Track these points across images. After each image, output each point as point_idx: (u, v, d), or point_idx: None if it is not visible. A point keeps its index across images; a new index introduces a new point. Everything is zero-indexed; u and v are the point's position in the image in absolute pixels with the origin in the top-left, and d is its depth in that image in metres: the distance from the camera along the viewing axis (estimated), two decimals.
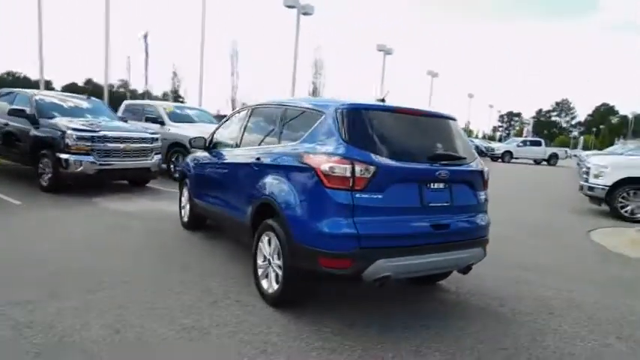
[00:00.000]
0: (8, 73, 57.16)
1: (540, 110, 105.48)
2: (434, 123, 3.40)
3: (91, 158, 7.33)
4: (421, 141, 3.25)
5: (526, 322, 3.43)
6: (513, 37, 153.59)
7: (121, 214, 6.26)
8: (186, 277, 3.87)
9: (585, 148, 56.75)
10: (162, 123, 10.21)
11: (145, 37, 16.49)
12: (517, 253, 5.56)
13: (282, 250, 3.17)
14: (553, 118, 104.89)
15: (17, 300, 3.17)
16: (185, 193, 5.71)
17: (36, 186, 7.59)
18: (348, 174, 2.83)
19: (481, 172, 3.44)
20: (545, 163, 31.69)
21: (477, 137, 52.95)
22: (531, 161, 31.39)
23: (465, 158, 3.37)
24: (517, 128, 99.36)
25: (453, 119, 3.57)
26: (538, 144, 32.87)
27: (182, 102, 17.62)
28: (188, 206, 5.58)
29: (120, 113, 10.82)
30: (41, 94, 8.86)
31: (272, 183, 3.39)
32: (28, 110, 7.90)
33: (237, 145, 4.33)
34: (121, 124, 8.60)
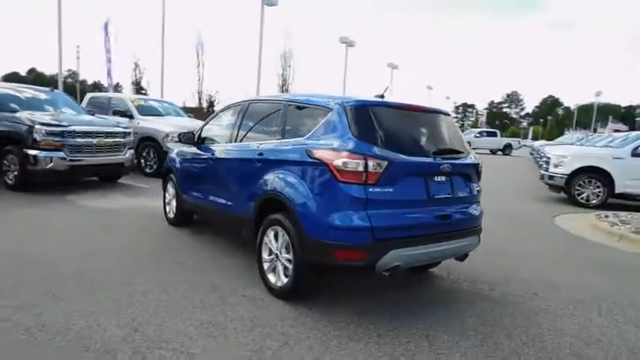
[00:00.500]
0: None
1: (492, 102, 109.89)
2: (433, 118, 3.56)
3: (61, 154, 7.03)
4: (423, 136, 3.41)
5: (517, 303, 3.69)
6: (467, 31, 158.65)
7: (102, 212, 6.07)
8: (186, 274, 3.85)
9: (534, 138, 59.80)
10: (130, 116, 9.89)
11: (106, 25, 15.64)
12: (493, 240, 5.87)
13: (292, 245, 3.23)
14: (504, 110, 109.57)
15: (19, 304, 3.06)
16: (170, 189, 5.62)
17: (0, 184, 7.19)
18: (361, 168, 2.94)
19: (476, 165, 3.64)
20: (500, 152, 33.28)
21: None
22: (487, 151, 32.82)
23: (463, 152, 3.56)
24: (472, 119, 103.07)
25: (448, 114, 3.75)
26: (494, 135, 34.53)
27: (145, 94, 16.99)
28: (174, 202, 5.51)
29: (83, 106, 10.36)
30: None
31: (279, 178, 3.43)
32: None
33: (234, 141, 4.32)
34: (91, 117, 8.27)
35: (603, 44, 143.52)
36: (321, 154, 3.11)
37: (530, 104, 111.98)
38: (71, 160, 7.13)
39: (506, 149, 33.44)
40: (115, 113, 9.84)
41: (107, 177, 8.45)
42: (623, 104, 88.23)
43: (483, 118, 75.19)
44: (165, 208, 5.81)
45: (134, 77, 19.97)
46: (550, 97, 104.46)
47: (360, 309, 3.34)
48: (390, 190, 3.03)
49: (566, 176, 9.40)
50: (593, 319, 3.47)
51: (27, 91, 8.53)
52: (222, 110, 4.99)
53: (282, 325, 3.01)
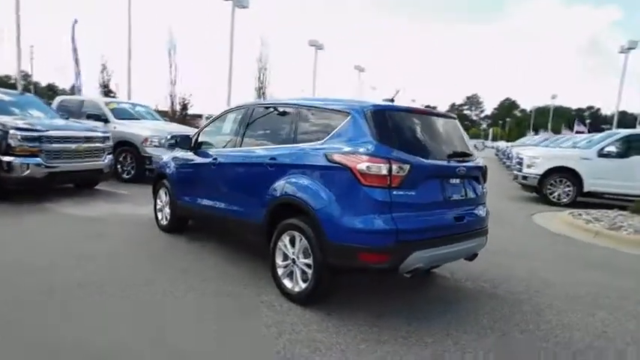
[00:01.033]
0: None
1: (454, 104, 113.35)
2: (443, 122, 3.65)
3: (38, 160, 6.67)
4: (437, 139, 3.50)
5: (522, 300, 3.84)
6: (430, 36, 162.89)
7: (87, 220, 5.82)
8: (194, 283, 3.76)
9: (494, 139, 62.11)
10: (105, 120, 9.52)
11: (74, 25, 14.83)
12: None
13: (312, 249, 3.23)
14: (465, 112, 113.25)
15: (19, 318, 2.89)
16: (163, 195, 5.47)
17: None
18: (385, 172, 2.98)
19: (482, 168, 3.77)
20: None
21: None
22: None
23: (472, 155, 3.68)
24: None
25: (455, 118, 3.87)
26: None
27: (113, 97, 16.40)
28: (168, 209, 5.37)
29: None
30: None
31: (295, 183, 3.42)
32: None
33: (238, 145, 4.26)
34: (67, 122, 7.91)
35: (557, 50, 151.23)
36: (343, 158, 3.13)
37: (489, 106, 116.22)
38: (49, 167, 6.79)
39: None
40: (89, 117, 9.45)
41: (84, 184, 8.10)
42: (574, 107, 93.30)
43: None
44: (156, 214, 5.64)
45: (101, 79, 19.28)
46: (507, 99, 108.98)
47: (376, 311, 3.38)
48: (412, 193, 3.09)
49: (538, 176, 9.85)
50: (595, 313, 3.66)
51: None
52: (222, 114, 4.91)
53: (307, 330, 3.00)
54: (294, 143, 3.65)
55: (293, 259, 3.45)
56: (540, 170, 9.83)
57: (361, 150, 3.09)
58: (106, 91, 18.96)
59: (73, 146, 7.14)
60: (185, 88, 15.97)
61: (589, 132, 23.31)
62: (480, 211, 3.70)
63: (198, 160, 4.77)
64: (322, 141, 3.41)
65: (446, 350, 2.85)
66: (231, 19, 19.62)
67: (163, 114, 14.07)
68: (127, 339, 2.73)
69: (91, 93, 16.65)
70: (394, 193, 3.01)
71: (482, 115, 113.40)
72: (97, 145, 7.60)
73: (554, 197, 9.78)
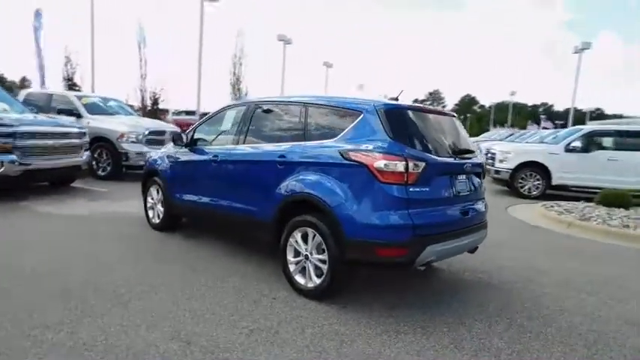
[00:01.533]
0: None
1: (416, 99, 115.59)
2: (447, 120, 3.79)
3: (12, 157, 6.35)
4: (444, 137, 3.63)
5: (519, 289, 4.05)
6: (394, 32, 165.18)
7: (73, 220, 5.61)
8: (207, 281, 3.73)
9: None
10: (78, 115, 9.15)
11: (37, 16, 13.88)
12: None
13: (327, 245, 3.29)
14: None
15: (44, 323, 2.80)
16: (155, 192, 5.36)
17: None
18: (402, 169, 3.07)
19: (482, 164, 3.94)
20: None
21: None
22: None
23: (474, 152, 3.84)
24: None
25: (455, 116, 4.01)
26: None
27: (78, 91, 15.64)
28: (160, 206, 5.26)
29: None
30: None
31: (309, 180, 3.46)
32: None
33: (241, 143, 4.23)
34: (41, 117, 7.55)
35: (512, 49, 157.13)
36: (359, 156, 3.19)
37: (450, 102, 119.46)
38: (24, 164, 6.47)
39: None
40: (60, 112, 9.03)
41: (60, 181, 7.77)
42: (529, 103, 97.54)
43: None
44: (147, 213, 5.52)
45: (65, 72, 18.30)
46: (467, 95, 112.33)
47: (388, 303, 3.48)
48: (426, 189, 3.20)
49: (510, 170, 10.30)
50: (585, 298, 3.92)
51: None
52: (220, 111, 4.85)
53: (329, 324, 3.06)
54: (304, 141, 3.68)
55: (306, 255, 3.49)
56: (512, 165, 10.28)
57: (377, 148, 3.16)
58: (70, 85, 18.09)
59: (50, 142, 6.84)
60: (156, 82, 15.53)
61: (555, 128, 24.47)
62: (481, 206, 3.87)
63: (196, 157, 4.70)
64: (335, 139, 3.46)
65: (462, 338, 2.98)
66: (200, 13, 19.20)
67: (135, 109, 13.58)
68: (158, 342, 2.69)
69: (53, 87, 15.87)
70: (410, 189, 3.11)
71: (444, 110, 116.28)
72: (74, 141, 7.31)
73: (524, 190, 10.27)
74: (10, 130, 6.37)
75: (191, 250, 4.63)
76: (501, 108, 71.73)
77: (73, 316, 2.93)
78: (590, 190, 9.79)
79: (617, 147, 10.00)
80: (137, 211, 6.17)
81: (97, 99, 10.02)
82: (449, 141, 3.64)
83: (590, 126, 11.30)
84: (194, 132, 4.90)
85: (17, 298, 3.16)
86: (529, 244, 6.01)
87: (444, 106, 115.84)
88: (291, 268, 3.61)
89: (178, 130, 10.27)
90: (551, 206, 8.36)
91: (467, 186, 3.62)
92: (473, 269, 4.53)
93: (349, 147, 3.29)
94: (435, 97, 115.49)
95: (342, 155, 3.29)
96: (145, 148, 9.04)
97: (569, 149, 10.03)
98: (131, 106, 13.48)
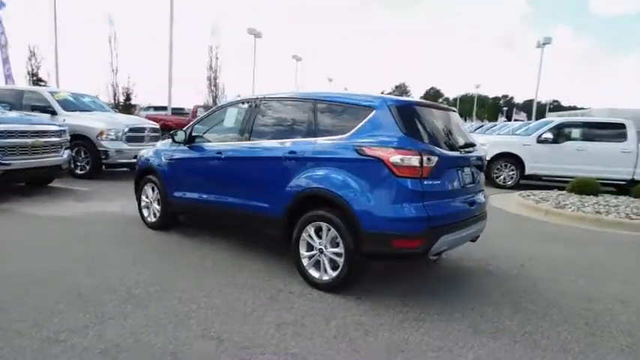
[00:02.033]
0: None
1: (383, 92, 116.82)
2: (450, 115, 3.94)
3: None
4: (450, 132, 3.78)
5: (516, 275, 4.29)
6: (362, 26, 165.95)
7: (62, 221, 5.45)
8: (219, 280, 3.73)
9: None
10: (53, 112, 8.80)
11: (1, 5, 13.02)
12: None
13: (343, 238, 3.37)
14: None
15: (67, 327, 2.76)
16: (149, 191, 5.28)
17: None
18: (417, 163, 3.20)
19: (483, 157, 4.13)
20: None
21: None
22: None
23: (475, 145, 4.02)
24: None
25: (456, 111, 4.17)
26: None
27: (44, 86, 14.94)
28: (157, 205, 5.19)
29: None
30: None
31: (323, 175, 3.52)
32: None
33: (246, 139, 4.24)
34: (17, 114, 7.24)
35: (474, 42, 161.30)
36: (375, 151, 3.29)
37: (416, 95, 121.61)
38: (3, 164, 6.20)
39: None
40: (34, 109, 8.66)
41: (38, 181, 7.48)
42: (491, 95, 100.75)
43: None
44: (141, 212, 5.43)
45: (30, 67, 17.34)
46: (432, 88, 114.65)
47: (399, 292, 3.62)
48: (438, 182, 3.34)
49: (486, 161, 10.68)
50: (575, 280, 4.20)
51: None
52: (220, 108, 4.82)
53: (350, 315, 3.16)
54: (314, 137, 3.73)
55: (320, 249, 3.57)
56: (488, 156, 10.67)
57: (392, 143, 3.26)
58: (36, 80, 17.21)
59: (30, 141, 6.58)
60: (127, 77, 14.98)
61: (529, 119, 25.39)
62: (483, 197, 4.06)
63: (197, 154, 4.67)
64: (346, 135, 3.54)
65: (477, 322, 3.16)
66: (169, 7, 18.71)
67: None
68: (190, 340, 2.71)
69: (17, 82, 15.06)
70: (424, 182, 3.24)
71: None
72: (54, 139, 7.05)
73: (500, 180, 10.71)
74: None
75: (194, 248, 4.61)
76: (465, 100, 73.81)
77: (95, 319, 2.90)
78: (560, 179, 10.32)
79: (585, 138, 10.58)
80: (129, 210, 6.06)
81: (70, 95, 9.64)
82: (454, 135, 3.80)
83: (560, 118, 11.88)
84: (192, 129, 4.86)
85: (31, 305, 3.08)
86: (513, 232, 6.32)
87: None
88: (304, 262, 3.68)
89: (157, 126, 10.10)
90: (528, 195, 8.77)
91: (471, 178, 3.79)
92: (469, 258, 4.74)
93: (364, 142, 3.37)
94: (401, 90, 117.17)
95: (356, 151, 3.38)
96: (125, 146, 8.83)
97: (540, 140, 10.52)
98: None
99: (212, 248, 4.60)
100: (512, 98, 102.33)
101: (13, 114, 7.23)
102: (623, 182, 10.22)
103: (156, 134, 9.76)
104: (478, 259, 4.71)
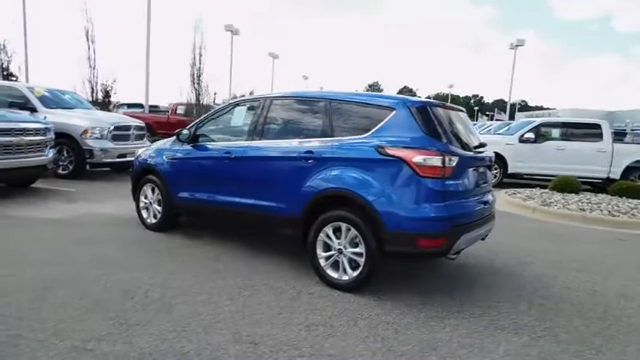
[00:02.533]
0: None
1: (356, 90, 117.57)
2: (460, 116, 4.01)
3: None
4: (464, 132, 3.85)
5: (521, 271, 4.42)
6: (339, 25, 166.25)
7: (59, 224, 5.24)
8: (237, 282, 3.67)
9: None
10: (32, 109, 8.42)
11: None
12: None
13: (365, 238, 3.39)
14: None
15: (92, 336, 2.66)
16: (149, 192, 5.14)
17: None
18: (440, 164, 3.24)
19: (492, 157, 4.22)
20: None
21: None
22: None
23: (485, 145, 4.10)
24: None
25: (464, 111, 4.25)
26: None
27: (15, 81, 14.21)
28: (157, 206, 5.07)
29: None
30: None
31: (343, 175, 3.52)
32: None
33: (257, 139, 4.18)
34: (3, 112, 6.88)
35: (446, 43, 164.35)
36: (398, 151, 3.31)
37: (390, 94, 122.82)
38: None
39: None
40: (12, 106, 8.25)
41: (21, 182, 7.15)
42: (462, 95, 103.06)
43: None
44: (140, 213, 5.28)
45: (0, 62, 16.44)
46: (405, 87, 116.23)
47: (415, 291, 3.66)
48: (458, 181, 3.40)
49: None
50: (577, 276, 4.37)
51: None
52: (226, 107, 4.74)
53: (375, 314, 3.18)
54: (331, 137, 3.72)
55: (339, 249, 3.57)
56: None
57: (415, 143, 3.30)
58: (6, 75, 16.37)
59: (15, 139, 6.28)
60: (106, 73, 14.45)
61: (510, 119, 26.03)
62: (492, 196, 4.16)
63: (204, 153, 4.58)
64: (366, 135, 3.55)
65: (497, 318, 3.24)
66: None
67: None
68: (224, 345, 2.66)
69: None
70: (447, 182, 3.29)
71: None
72: (40, 137, 6.76)
73: None
74: None
75: (201, 250, 4.51)
76: (437, 99, 75.12)
77: (120, 326, 2.80)
78: (541, 177, 10.68)
79: (564, 138, 10.98)
80: (123, 211, 5.90)
81: (50, 91, 9.24)
82: (467, 135, 3.87)
83: (541, 119, 12.27)
84: (196, 128, 4.76)
85: (48, 312, 2.95)
86: (506, 229, 6.46)
87: None
88: (322, 262, 3.67)
89: (143, 124, 9.83)
90: (513, 193, 9.03)
91: (483, 178, 3.87)
92: (472, 255, 4.83)
93: (384, 143, 3.39)
94: (374, 88, 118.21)
95: (377, 151, 3.39)
96: (110, 144, 8.55)
97: (522, 140, 10.84)
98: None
99: (220, 250, 4.52)
100: (482, 98, 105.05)
101: None
102: (600, 180, 10.67)
103: (141, 132, 9.50)
104: (481, 256, 4.81)
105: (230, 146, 4.37)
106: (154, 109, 21.40)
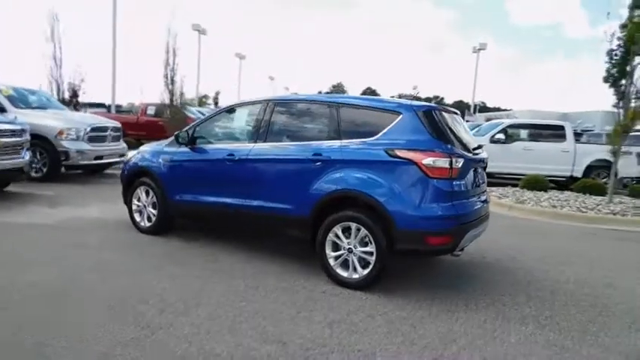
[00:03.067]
0: None
1: (320, 91, 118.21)
2: (457, 119, 4.19)
3: None
4: (463, 134, 4.03)
5: (513, 267, 4.66)
6: (303, 26, 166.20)
7: (46, 229, 5.06)
8: (246, 283, 3.69)
9: None
10: (1, 110, 8.01)
11: None
12: None
13: (375, 237, 3.50)
14: None
15: (118, 340, 2.63)
16: (143, 194, 5.05)
17: None
18: (447, 165, 3.41)
19: (487, 159, 4.44)
20: None
21: None
22: None
23: (482, 147, 4.32)
24: None
25: (459, 113, 4.45)
26: None
27: None
28: (151, 209, 4.98)
29: None
30: None
31: (352, 176, 3.61)
32: None
33: (260, 141, 4.21)
34: None
35: (408, 46, 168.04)
36: (407, 153, 3.45)
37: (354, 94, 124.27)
38: None
39: None
40: None
41: None
42: (423, 96, 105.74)
43: None
44: (133, 217, 5.17)
45: None
46: (369, 88, 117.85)
47: (421, 287, 3.82)
48: (463, 182, 3.58)
49: None
50: (564, 270, 4.66)
51: None
52: (226, 110, 4.73)
53: (390, 310, 3.30)
54: (339, 139, 3.81)
55: (349, 248, 3.66)
56: None
57: (424, 146, 3.45)
58: None
59: None
60: (73, 72, 13.72)
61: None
62: (487, 196, 4.38)
63: (205, 156, 4.55)
64: (374, 138, 3.66)
65: (502, 310, 3.44)
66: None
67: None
68: (253, 345, 2.69)
69: None
70: (453, 183, 3.46)
71: None
72: (17, 139, 6.46)
73: None
74: None
75: (202, 253, 4.48)
76: None
77: (143, 330, 2.78)
78: (511, 176, 11.19)
79: (532, 138, 11.55)
80: (110, 215, 5.78)
81: (17, 90, 8.80)
82: (465, 137, 4.07)
83: (509, 120, 12.84)
84: (194, 130, 4.72)
85: (67, 318, 2.88)
86: (492, 226, 6.79)
87: None
88: (331, 262, 3.76)
89: (120, 125, 9.55)
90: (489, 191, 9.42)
91: (481, 178, 4.08)
92: (465, 252, 4.96)
93: (394, 145, 3.52)
94: (338, 89, 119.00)
95: (387, 153, 3.52)
96: (86, 146, 8.28)
97: (493, 141, 11.31)
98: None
99: (219, 252, 4.51)
100: (442, 99, 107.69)
101: None
102: (564, 179, 11.30)
103: (117, 134, 9.24)
104: (472, 254, 5.02)
105: (231, 148, 4.37)
106: (116, 109, 20.72)
